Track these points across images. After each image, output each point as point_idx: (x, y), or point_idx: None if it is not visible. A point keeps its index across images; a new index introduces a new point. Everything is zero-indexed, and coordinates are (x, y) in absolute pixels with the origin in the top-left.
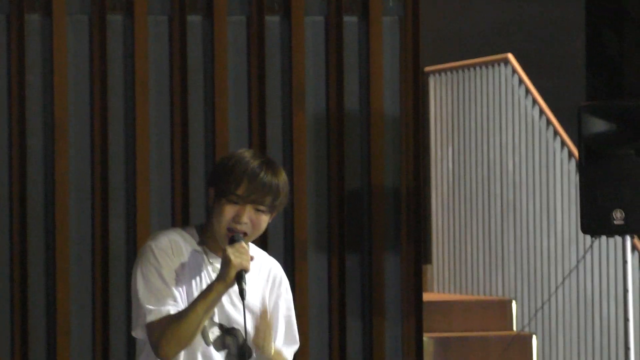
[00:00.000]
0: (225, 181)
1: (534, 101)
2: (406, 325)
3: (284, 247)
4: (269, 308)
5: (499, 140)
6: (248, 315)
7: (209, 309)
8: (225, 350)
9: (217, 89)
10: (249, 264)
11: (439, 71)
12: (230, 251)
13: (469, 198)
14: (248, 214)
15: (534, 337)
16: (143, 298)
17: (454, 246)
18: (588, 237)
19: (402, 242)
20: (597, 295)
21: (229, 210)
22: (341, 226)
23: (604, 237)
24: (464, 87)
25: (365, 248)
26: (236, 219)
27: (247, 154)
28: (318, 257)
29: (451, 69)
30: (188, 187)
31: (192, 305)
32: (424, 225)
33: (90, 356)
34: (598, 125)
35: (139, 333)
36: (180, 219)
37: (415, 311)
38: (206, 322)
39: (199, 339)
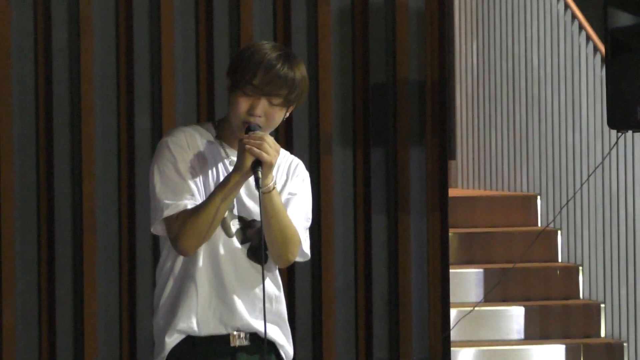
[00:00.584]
0: (241, 71)
1: None
2: (431, 221)
3: (309, 140)
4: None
5: (524, 35)
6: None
7: (226, 200)
8: (248, 243)
9: None
10: (265, 153)
11: None
12: (245, 140)
13: (493, 93)
14: (262, 107)
15: (559, 232)
16: (160, 193)
17: (479, 141)
18: (614, 132)
19: (427, 137)
20: (623, 191)
21: (244, 102)
22: (366, 120)
23: (629, 133)
24: None
25: (390, 143)
26: (251, 111)
27: (266, 45)
28: (343, 151)
29: None
30: (213, 82)
31: (210, 197)
32: (449, 121)
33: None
34: (624, 19)
35: (157, 229)
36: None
37: (441, 206)
38: (227, 214)
39: (219, 231)
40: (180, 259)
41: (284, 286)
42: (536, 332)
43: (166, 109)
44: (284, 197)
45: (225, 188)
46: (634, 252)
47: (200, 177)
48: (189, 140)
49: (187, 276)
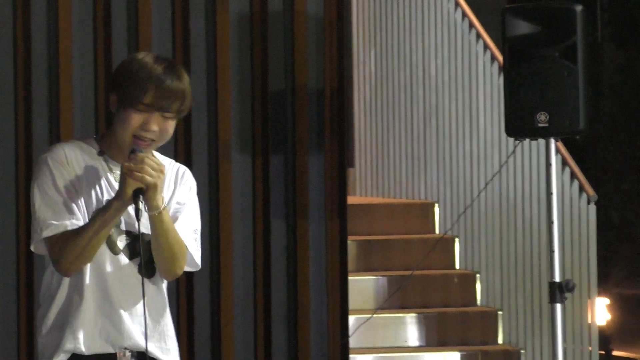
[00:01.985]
0: (130, 88)
1: (457, 4)
2: (330, 227)
3: (207, 147)
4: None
5: (422, 43)
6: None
7: (107, 226)
8: (138, 258)
9: None
10: (148, 176)
11: None
12: (127, 166)
13: (391, 101)
14: (156, 121)
15: (457, 240)
16: (40, 211)
17: (377, 149)
18: (511, 140)
19: (325, 144)
20: (520, 198)
21: (136, 118)
22: (265, 127)
23: (526, 141)
24: None
25: (289, 150)
26: (144, 126)
27: (148, 58)
28: (242, 158)
29: None
30: None
31: (91, 222)
32: (347, 129)
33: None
34: (522, 27)
35: (38, 248)
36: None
37: (339, 213)
38: (113, 231)
39: (104, 248)
40: (65, 279)
41: (183, 292)
42: (434, 339)
43: (64, 115)
44: (172, 206)
45: (105, 214)
46: (530, 260)
47: (83, 193)
48: (70, 156)
49: (73, 295)
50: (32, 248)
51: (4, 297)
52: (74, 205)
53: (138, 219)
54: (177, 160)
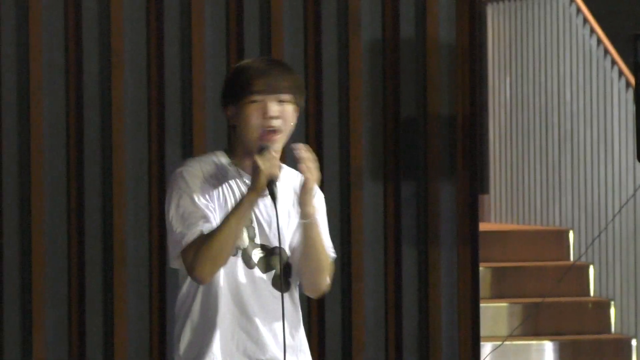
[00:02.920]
0: (238, 88)
1: (592, 30)
2: (462, 255)
3: (339, 174)
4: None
5: (557, 70)
6: (282, 227)
7: (241, 221)
8: (272, 271)
9: (273, 11)
10: (278, 171)
11: (497, 0)
12: (259, 159)
13: (526, 128)
14: (274, 107)
15: (591, 266)
16: (176, 225)
17: (512, 176)
18: None
19: (458, 171)
20: None
21: (255, 111)
22: (397, 154)
23: None
24: (522, 16)
25: (421, 177)
26: (264, 115)
27: (248, 60)
28: (374, 185)
29: None
30: None
31: (225, 219)
32: (481, 155)
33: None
34: None
35: (175, 263)
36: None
37: (471, 240)
38: (247, 245)
39: (240, 263)
40: (200, 293)
41: (314, 320)
42: None
43: (197, 139)
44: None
45: (240, 209)
46: None
47: (216, 202)
48: (203, 168)
49: (208, 310)
50: (170, 265)
51: (139, 314)
52: (208, 212)
53: (275, 202)
54: None
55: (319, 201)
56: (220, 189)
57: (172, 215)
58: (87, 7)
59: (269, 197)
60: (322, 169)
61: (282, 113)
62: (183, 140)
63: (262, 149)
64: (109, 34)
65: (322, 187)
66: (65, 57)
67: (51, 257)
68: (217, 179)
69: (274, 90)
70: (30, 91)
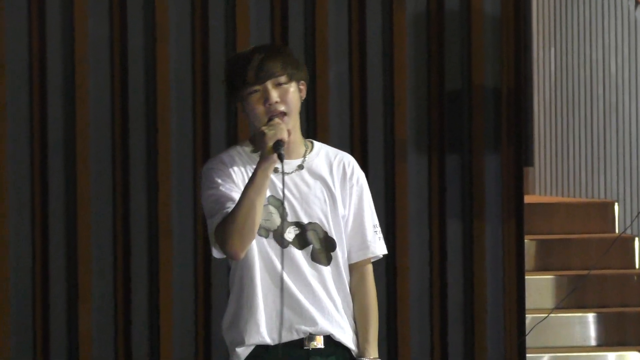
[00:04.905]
0: (234, 82)
1: (637, 2)
2: (507, 228)
3: (383, 147)
4: (344, 198)
5: (602, 42)
6: (316, 202)
7: (258, 190)
8: (310, 246)
9: None
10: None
11: None
12: (264, 127)
13: (571, 100)
14: (272, 92)
15: (636, 239)
16: (208, 214)
17: (556, 148)
18: None
19: (502, 144)
20: None
21: (256, 100)
22: (441, 127)
23: None
24: None
25: (466, 150)
26: (266, 102)
27: (237, 52)
28: (418, 158)
29: None
30: None
31: (243, 192)
32: (526, 128)
33: None
34: None
35: (215, 252)
36: None
37: (516, 213)
38: (277, 225)
39: (272, 243)
40: (241, 275)
41: None
42: (612, 339)
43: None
44: (354, 197)
45: (255, 179)
46: None
47: (242, 186)
48: (227, 160)
49: (249, 291)
50: (214, 254)
51: (184, 300)
52: (233, 194)
53: (282, 161)
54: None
55: (361, 183)
56: (243, 174)
57: (205, 207)
58: None
59: (295, 172)
60: (366, 142)
61: (283, 96)
62: (227, 114)
63: (269, 120)
64: (153, 10)
65: (366, 161)
66: (110, 32)
67: (96, 231)
68: (239, 166)
69: (267, 77)
70: (75, 68)
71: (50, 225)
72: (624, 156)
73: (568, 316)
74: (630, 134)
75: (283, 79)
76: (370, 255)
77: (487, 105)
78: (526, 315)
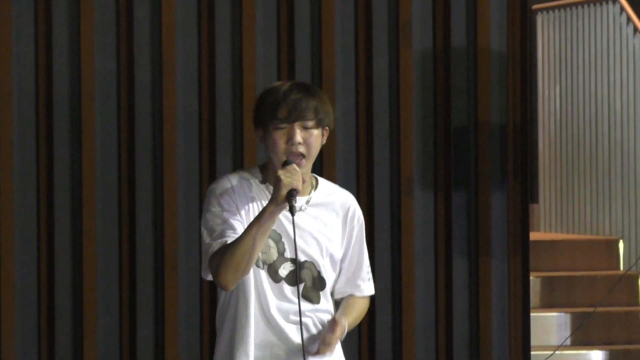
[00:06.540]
0: (265, 112)
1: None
2: (512, 264)
3: (389, 183)
4: (343, 238)
5: (607, 79)
6: (313, 242)
7: (262, 231)
8: (302, 284)
9: (324, 22)
10: (299, 183)
11: (547, 9)
12: (281, 172)
13: (576, 137)
14: (298, 133)
15: None
16: (205, 237)
17: (561, 185)
18: None
19: (508, 180)
20: None
21: (280, 137)
22: (447, 163)
23: None
24: (572, 25)
25: (472, 186)
26: (289, 141)
27: (276, 83)
28: (424, 194)
29: (559, 7)
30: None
31: (247, 228)
32: (531, 164)
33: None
34: None
35: (205, 273)
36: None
37: (522, 250)
38: (275, 259)
39: (265, 276)
40: (234, 304)
41: (364, 329)
42: None
43: (247, 147)
44: (354, 238)
45: (261, 219)
46: None
47: (244, 216)
48: (234, 184)
49: (241, 321)
50: (203, 276)
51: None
52: (234, 224)
53: (293, 214)
54: (358, 196)
55: (360, 225)
56: (248, 204)
57: (203, 229)
58: (139, 17)
59: (300, 212)
60: (372, 178)
61: (307, 139)
62: (234, 149)
63: (285, 163)
64: (160, 44)
65: (372, 196)
66: (117, 66)
67: (102, 266)
68: (246, 194)
69: (298, 118)
70: (81, 101)
71: (56, 232)
72: (628, 193)
73: (573, 353)
74: (635, 171)
75: (311, 123)
76: (359, 295)
77: (493, 141)
78: (531, 353)
